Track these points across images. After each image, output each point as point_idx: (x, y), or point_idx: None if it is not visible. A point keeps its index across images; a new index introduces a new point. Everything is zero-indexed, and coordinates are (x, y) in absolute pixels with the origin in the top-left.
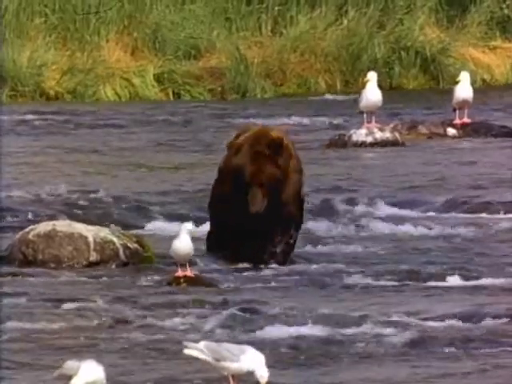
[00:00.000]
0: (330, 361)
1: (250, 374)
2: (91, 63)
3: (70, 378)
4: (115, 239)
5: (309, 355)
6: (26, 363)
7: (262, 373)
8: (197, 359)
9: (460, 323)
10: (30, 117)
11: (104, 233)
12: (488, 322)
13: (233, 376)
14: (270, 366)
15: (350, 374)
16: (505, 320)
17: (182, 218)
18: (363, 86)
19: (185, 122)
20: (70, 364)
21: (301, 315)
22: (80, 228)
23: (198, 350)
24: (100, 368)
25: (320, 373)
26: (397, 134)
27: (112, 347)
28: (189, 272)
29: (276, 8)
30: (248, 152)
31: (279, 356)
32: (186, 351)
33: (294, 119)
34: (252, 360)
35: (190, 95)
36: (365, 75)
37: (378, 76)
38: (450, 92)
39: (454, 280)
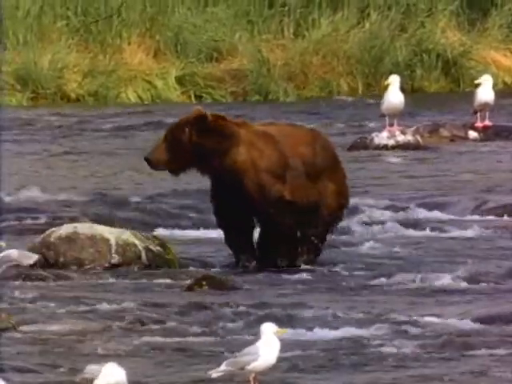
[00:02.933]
0: (351, 362)
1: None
2: (113, 66)
3: (91, 382)
4: (137, 242)
5: (330, 356)
6: (46, 366)
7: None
8: (217, 363)
9: (477, 325)
10: (51, 119)
11: (126, 235)
12: (503, 324)
13: (254, 378)
14: (291, 367)
15: (364, 375)
16: None
17: (205, 221)
18: (385, 88)
19: None
20: (91, 368)
21: (325, 317)
22: (102, 230)
23: (221, 371)
24: (122, 371)
25: (337, 375)
26: (418, 137)
27: (133, 350)
28: None
29: (298, 11)
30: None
31: (298, 358)
32: (213, 375)
33: (316, 122)
34: (270, 349)
35: (211, 98)
36: (387, 78)
37: (400, 79)
38: (471, 95)
39: (472, 282)
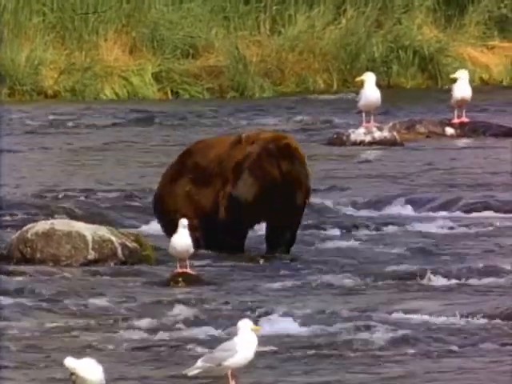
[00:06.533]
0: (327, 360)
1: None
2: (89, 62)
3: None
4: (113, 238)
5: (308, 354)
6: (23, 362)
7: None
8: (194, 359)
9: (459, 321)
10: (27, 115)
11: (102, 231)
12: (486, 321)
13: (232, 374)
14: (268, 364)
15: (349, 373)
16: (502, 319)
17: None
18: (357, 84)
19: (183, 121)
20: (69, 361)
21: (301, 314)
22: (78, 226)
23: (197, 368)
24: (99, 367)
25: (319, 371)
26: (395, 134)
27: (110, 346)
28: (188, 269)
29: (274, 7)
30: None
31: (277, 355)
32: (189, 373)
33: (293, 118)
34: (246, 345)
35: (188, 94)
36: (363, 74)
37: (376, 75)
38: (448, 91)
39: (451, 278)
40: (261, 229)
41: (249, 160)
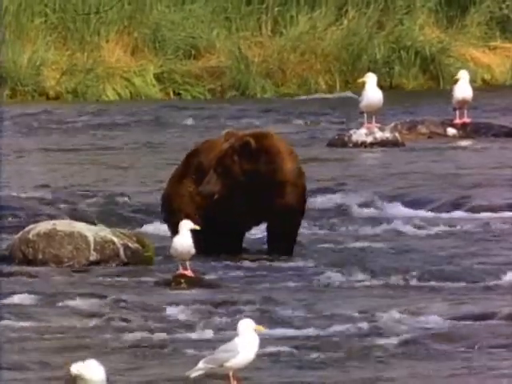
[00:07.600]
0: (330, 360)
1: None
2: (91, 63)
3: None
4: (115, 239)
5: (309, 355)
6: (25, 363)
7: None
8: (196, 361)
9: (460, 323)
10: (29, 117)
11: (104, 232)
12: (487, 321)
13: (234, 375)
14: (269, 365)
15: (349, 373)
16: (505, 320)
17: None
18: (358, 85)
19: (185, 122)
20: (74, 365)
21: (302, 315)
22: (80, 227)
23: (199, 369)
24: (101, 368)
25: (319, 372)
26: (397, 134)
27: (112, 347)
28: (189, 271)
29: (276, 8)
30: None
31: (278, 356)
32: (192, 375)
33: (294, 119)
34: (248, 345)
35: (190, 94)
36: (364, 75)
37: (378, 76)
38: (449, 92)
39: (453, 279)
40: (262, 229)
41: (216, 158)
